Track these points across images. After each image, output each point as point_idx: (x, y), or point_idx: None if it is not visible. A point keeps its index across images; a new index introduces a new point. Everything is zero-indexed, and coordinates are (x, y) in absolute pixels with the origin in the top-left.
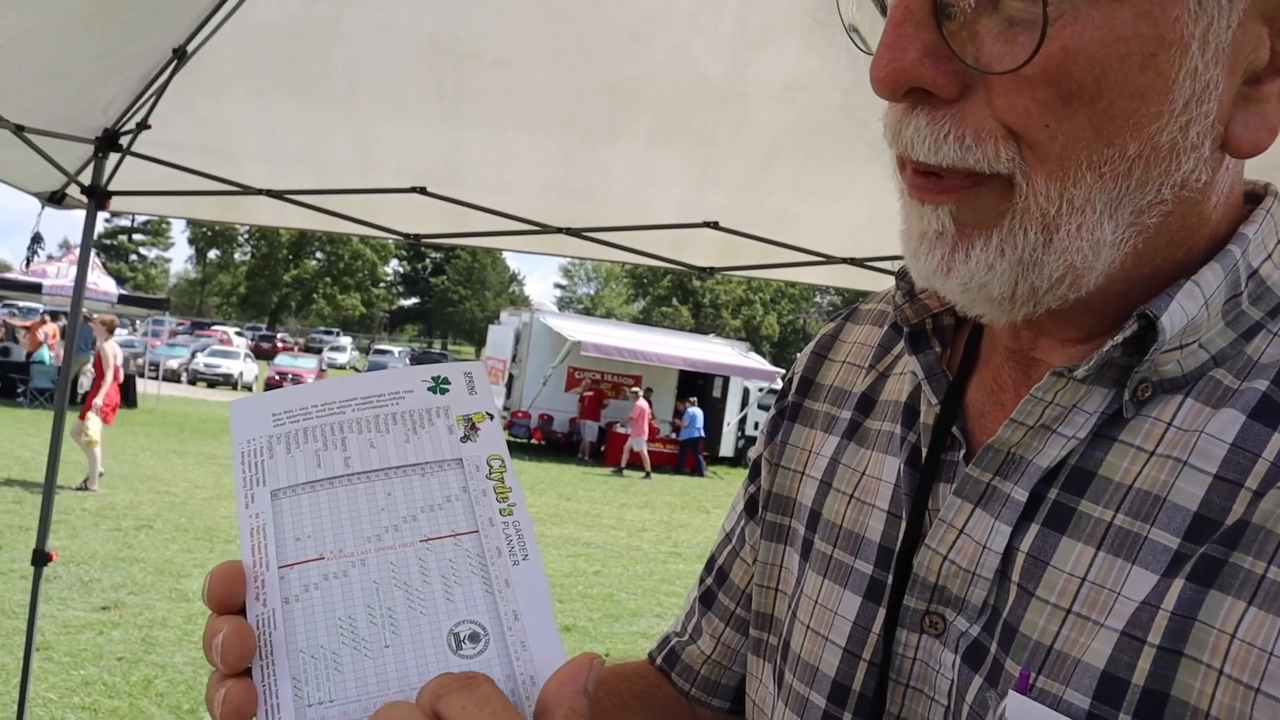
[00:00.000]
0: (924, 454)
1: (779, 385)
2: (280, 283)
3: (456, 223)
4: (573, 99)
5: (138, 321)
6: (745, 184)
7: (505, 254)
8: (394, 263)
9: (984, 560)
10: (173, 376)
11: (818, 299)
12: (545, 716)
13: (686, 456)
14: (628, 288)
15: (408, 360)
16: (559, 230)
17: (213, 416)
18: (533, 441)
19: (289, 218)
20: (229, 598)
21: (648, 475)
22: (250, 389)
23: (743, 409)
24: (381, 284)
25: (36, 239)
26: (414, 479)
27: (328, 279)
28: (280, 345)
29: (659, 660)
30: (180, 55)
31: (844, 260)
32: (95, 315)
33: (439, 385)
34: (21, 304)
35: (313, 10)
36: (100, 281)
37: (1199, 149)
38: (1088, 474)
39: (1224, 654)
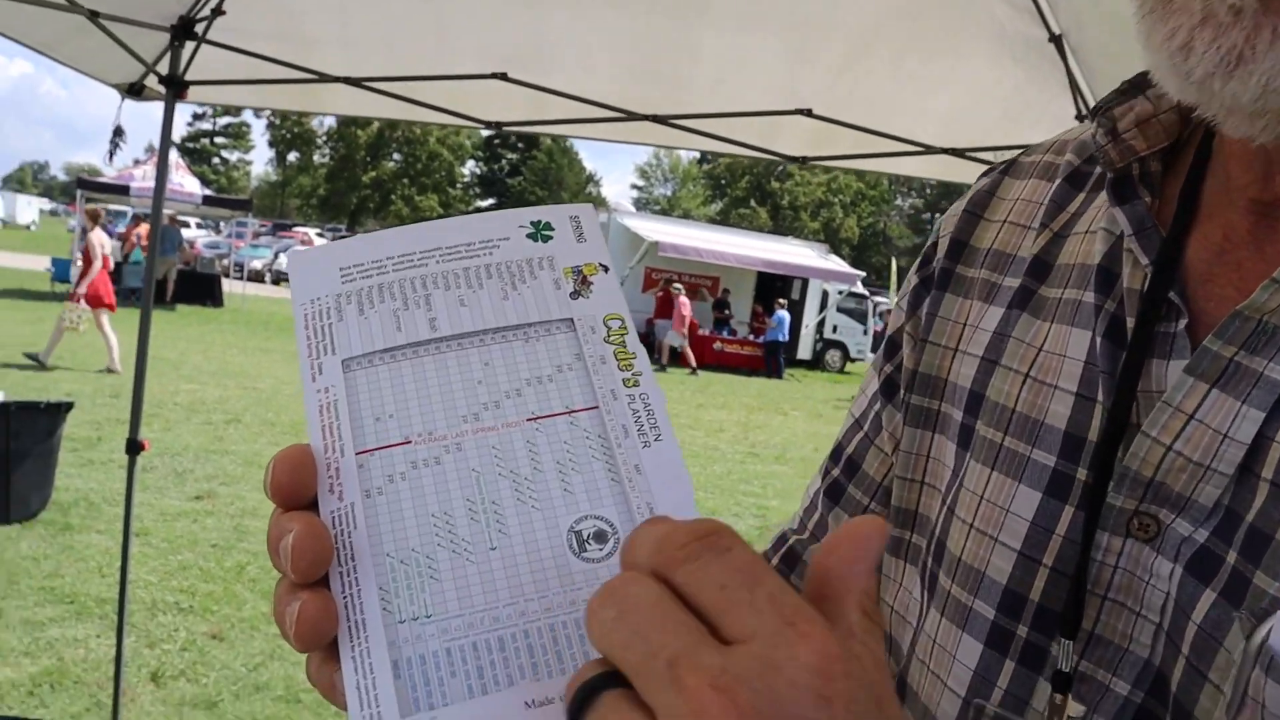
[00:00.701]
0: (1129, 325)
1: (859, 288)
2: (359, 184)
3: (538, 110)
4: None
5: (222, 224)
6: (841, 69)
7: (582, 154)
8: (470, 164)
9: (1223, 452)
10: (256, 277)
11: (898, 201)
12: (833, 602)
13: (769, 359)
14: (705, 188)
15: None
16: (644, 117)
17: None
18: None
19: (367, 106)
20: (297, 489)
21: (694, 372)
22: None
23: (821, 312)
24: (458, 185)
25: (118, 132)
26: (516, 344)
27: (405, 180)
28: None
29: (775, 560)
30: None
31: (944, 150)
32: (178, 216)
33: (540, 232)
34: (112, 207)
35: None
36: (185, 183)
37: None
38: None
39: None
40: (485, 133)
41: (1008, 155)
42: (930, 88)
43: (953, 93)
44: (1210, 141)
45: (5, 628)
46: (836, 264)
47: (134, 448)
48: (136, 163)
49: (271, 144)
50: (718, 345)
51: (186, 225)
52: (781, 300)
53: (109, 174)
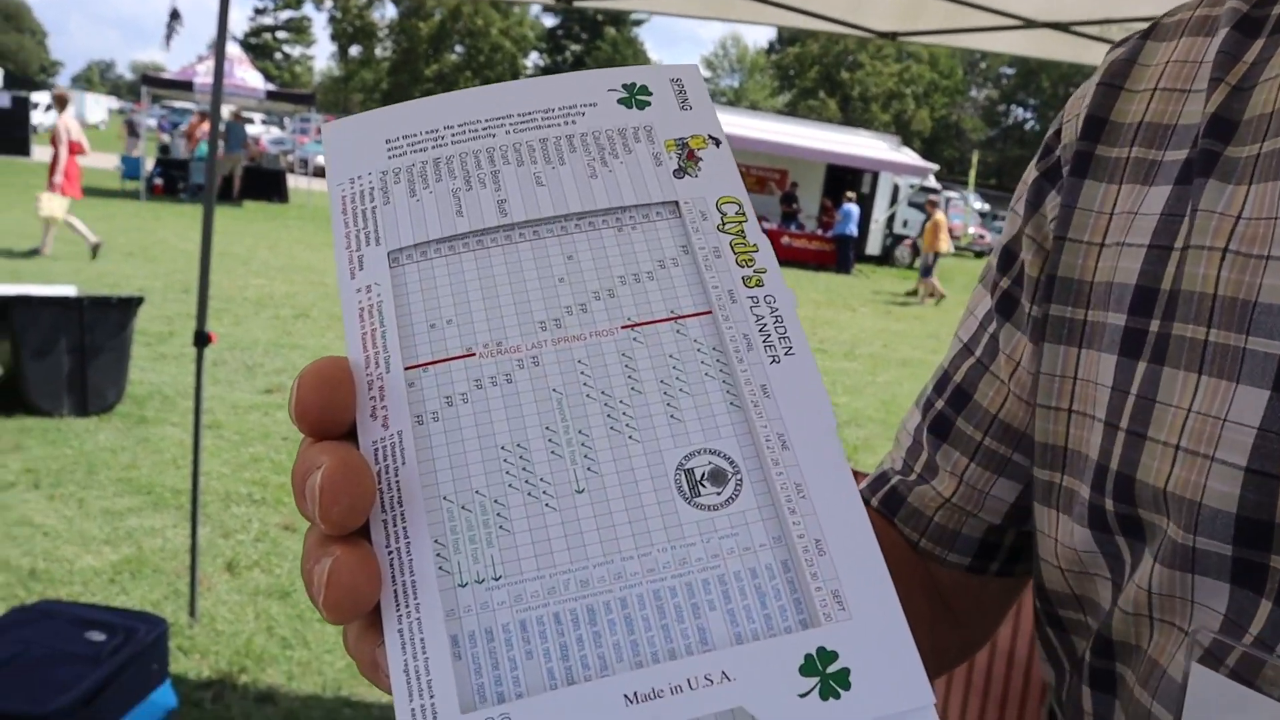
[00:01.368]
0: None
1: (931, 182)
2: (421, 78)
3: None
4: None
5: (285, 120)
6: None
7: (646, 45)
8: (533, 56)
9: None
10: (321, 172)
11: (973, 93)
12: None
13: (838, 254)
14: (773, 79)
15: None
16: None
17: None
18: None
19: None
20: (330, 413)
21: None
22: None
23: (892, 206)
24: (521, 77)
25: (174, 15)
26: (606, 233)
27: (468, 73)
28: None
29: (875, 502)
30: None
31: (1046, 24)
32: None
33: (634, 96)
34: (176, 104)
35: None
36: (247, 77)
37: None
38: None
39: None
40: (549, 22)
41: (1117, 30)
42: None
43: None
44: None
45: (86, 517)
46: (908, 156)
47: (201, 340)
48: (200, 59)
49: (333, 38)
50: (785, 240)
51: (250, 121)
52: (850, 194)
53: (173, 71)
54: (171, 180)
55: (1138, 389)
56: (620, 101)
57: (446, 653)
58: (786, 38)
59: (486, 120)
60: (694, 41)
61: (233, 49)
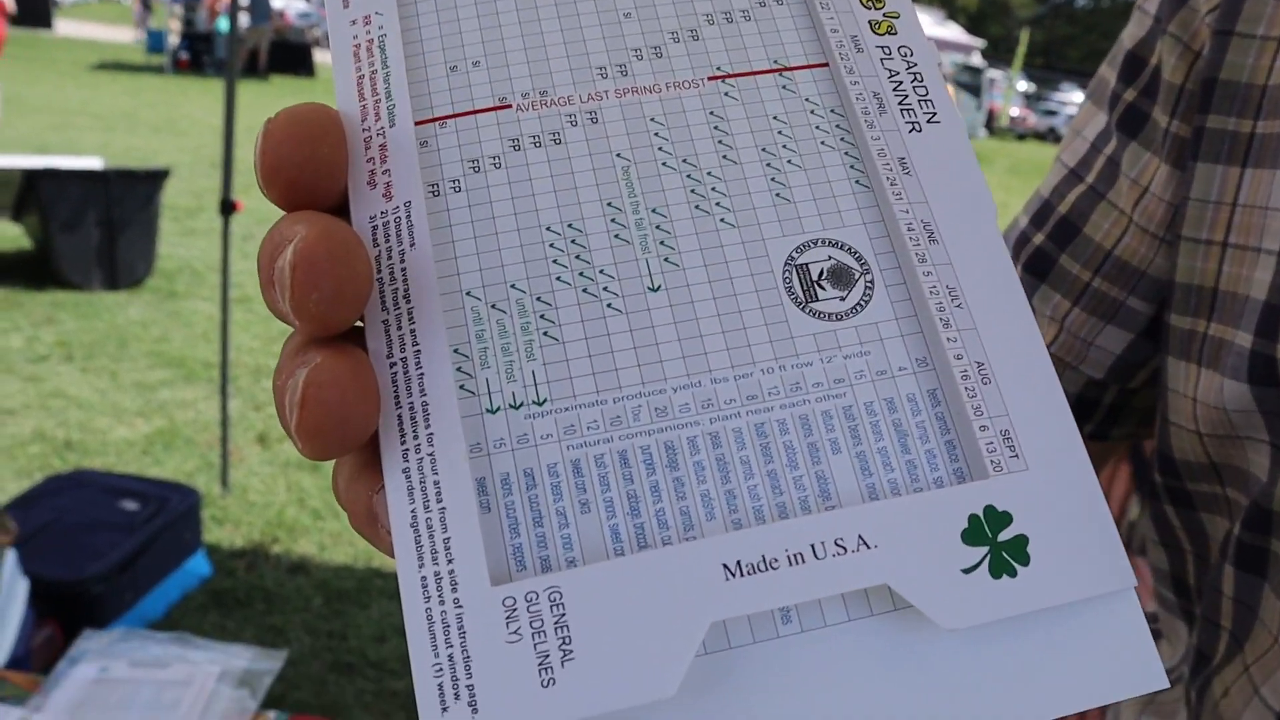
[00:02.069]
0: None
1: (976, 60)
2: None
3: None
4: None
5: None
6: None
7: None
8: None
9: None
10: None
11: None
12: None
13: None
14: None
15: None
16: None
17: None
18: None
19: None
20: (310, 173)
21: None
22: None
23: None
24: None
25: None
26: None
27: None
28: None
29: None
30: None
31: None
32: None
33: None
34: None
35: None
36: None
37: None
38: None
39: None
40: None
41: None
42: None
43: None
44: None
45: (119, 389)
46: (953, 32)
47: (227, 208)
48: None
49: None
50: None
51: None
52: None
53: None
54: (197, 55)
55: None
56: None
57: (471, 501)
58: None
59: None
60: None
61: None
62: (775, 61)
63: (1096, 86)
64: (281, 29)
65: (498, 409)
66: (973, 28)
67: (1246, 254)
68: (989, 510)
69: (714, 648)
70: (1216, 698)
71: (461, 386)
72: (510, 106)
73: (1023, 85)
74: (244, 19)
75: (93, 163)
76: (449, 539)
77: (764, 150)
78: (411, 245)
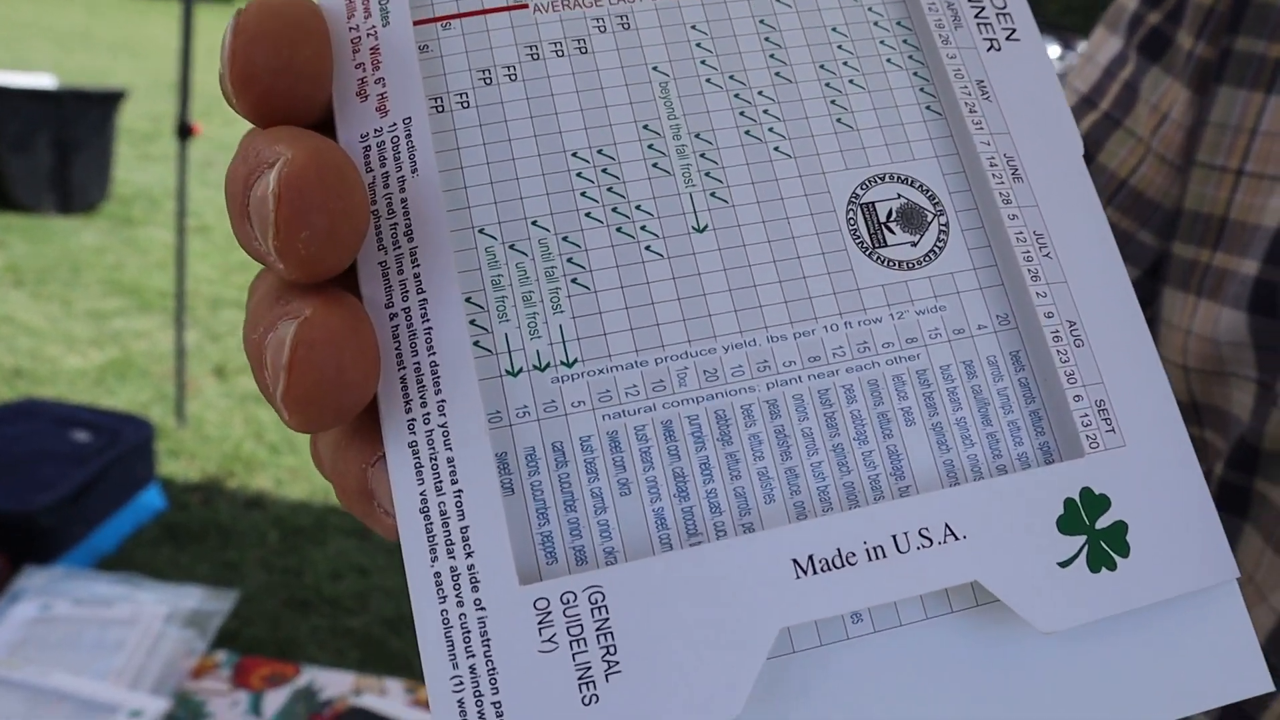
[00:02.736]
0: None
1: None
2: None
3: None
4: None
5: None
6: None
7: None
8: None
9: None
10: None
11: None
12: None
13: None
14: None
15: None
16: None
17: None
18: None
19: None
20: (288, 79)
21: None
22: None
23: None
24: None
25: None
26: None
27: None
28: None
29: None
30: None
31: None
32: None
33: None
34: None
35: None
36: None
37: None
38: None
39: None
40: None
41: None
42: None
43: None
44: None
45: (71, 317)
46: None
47: (184, 131)
48: None
49: None
50: None
51: None
52: None
53: None
54: None
55: None
56: None
57: (493, 482)
58: None
59: None
60: None
61: None
62: None
63: (1113, 13)
64: None
65: (519, 371)
66: None
67: (1263, 182)
68: (1085, 493)
69: (776, 651)
70: None
71: (476, 343)
72: (526, 6)
73: None
74: None
75: (46, 81)
76: (467, 528)
77: (822, 68)
78: (414, 171)
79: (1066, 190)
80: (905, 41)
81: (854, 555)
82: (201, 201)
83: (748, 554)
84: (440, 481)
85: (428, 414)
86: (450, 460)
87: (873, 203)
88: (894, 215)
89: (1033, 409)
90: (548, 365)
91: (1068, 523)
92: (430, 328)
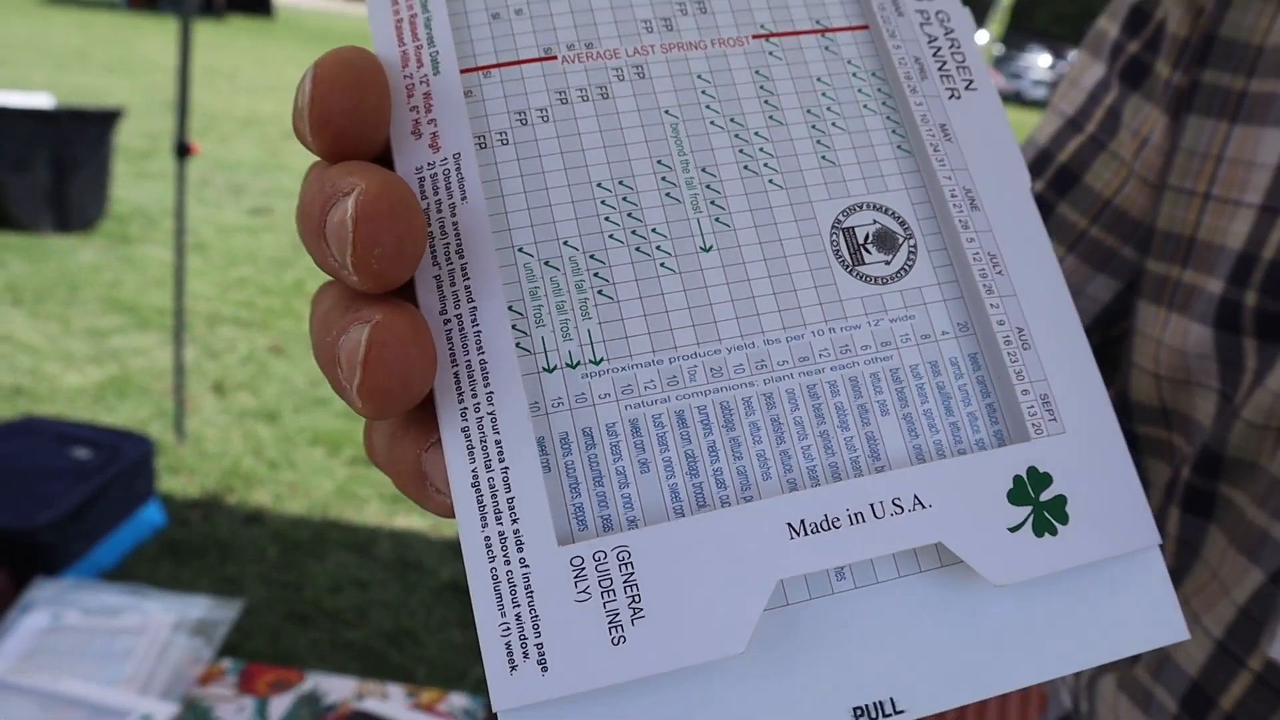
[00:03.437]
0: None
1: None
2: None
3: None
4: None
5: None
6: None
7: None
8: None
9: None
10: None
11: None
12: None
13: None
14: None
15: None
16: None
17: (352, 30)
18: None
19: None
20: (358, 121)
21: None
22: None
23: None
24: None
25: None
26: None
27: None
28: None
29: None
30: None
31: None
32: None
33: None
34: None
35: None
36: None
37: None
38: None
39: None
40: None
41: None
42: None
43: None
44: None
45: (70, 335)
46: None
47: (182, 151)
48: None
49: None
50: None
51: None
52: None
53: None
54: None
55: None
56: None
57: (535, 461)
58: None
59: None
60: None
61: None
62: (817, 22)
63: (1094, 38)
64: None
65: (554, 368)
66: None
67: (1226, 206)
68: (1031, 471)
69: (773, 604)
70: None
71: (518, 345)
72: (555, 58)
73: (995, 51)
74: None
75: (43, 100)
76: (513, 499)
77: (809, 111)
78: (463, 198)
79: (1016, 217)
80: (879, 90)
81: (838, 520)
82: (199, 220)
83: (749, 519)
84: (489, 460)
85: (478, 404)
86: (498, 443)
87: (853, 227)
88: (870, 238)
89: (988, 402)
90: (578, 363)
91: (1016, 495)
92: (479, 331)
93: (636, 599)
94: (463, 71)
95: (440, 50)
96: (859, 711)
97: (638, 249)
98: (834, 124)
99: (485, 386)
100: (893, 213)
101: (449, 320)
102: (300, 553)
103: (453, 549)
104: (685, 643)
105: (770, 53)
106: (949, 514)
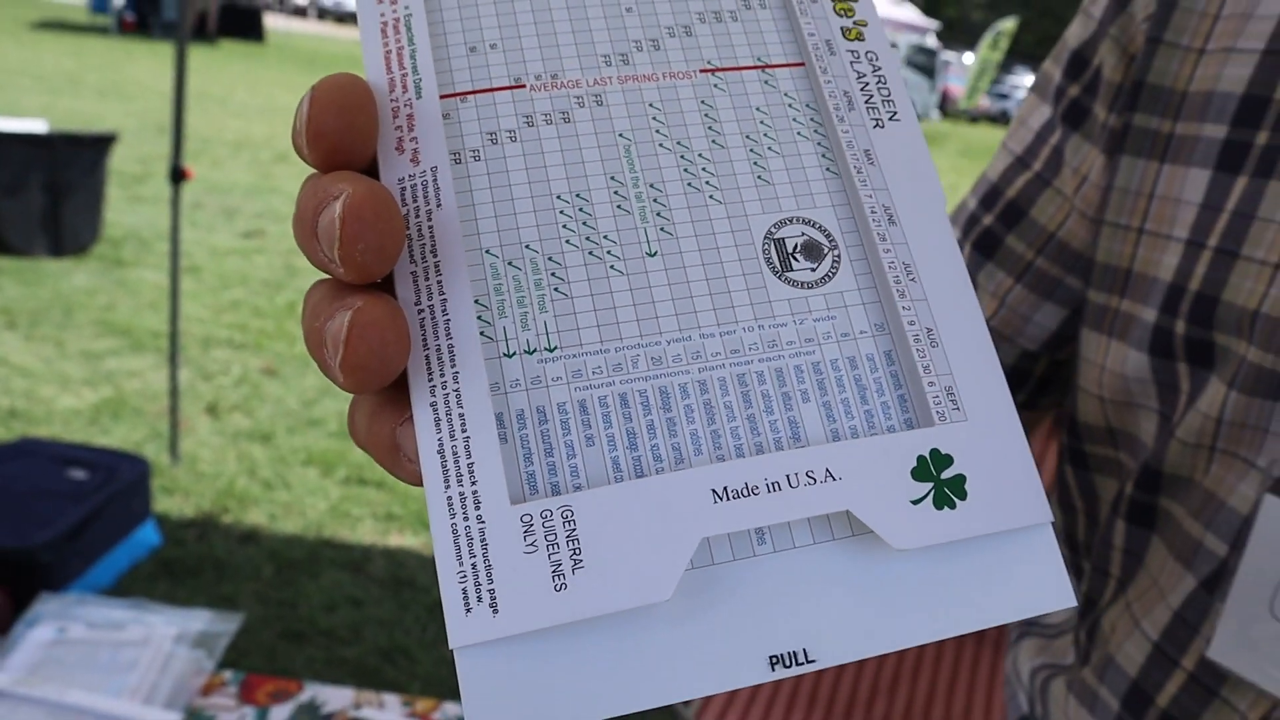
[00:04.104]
0: None
1: (930, 42)
2: None
3: None
4: None
5: None
6: None
7: None
8: None
9: None
10: (299, 12)
11: None
12: None
13: None
14: None
15: None
16: None
17: (342, 54)
18: None
19: None
20: (350, 138)
21: None
22: None
23: None
24: None
25: None
26: None
27: None
28: None
29: None
30: None
31: None
32: None
33: None
34: None
35: None
36: None
37: None
38: None
39: None
40: None
41: None
42: None
43: None
44: None
45: (65, 358)
46: (909, 13)
47: (177, 175)
48: None
49: None
50: None
51: None
52: None
53: None
54: (143, 16)
55: (1235, 205)
56: None
57: (492, 432)
58: None
59: None
60: None
61: None
62: (759, 59)
63: (1041, 81)
64: None
65: (514, 354)
66: (928, 9)
67: (1158, 240)
68: (934, 452)
69: (700, 563)
70: (1106, 634)
71: (482, 333)
72: (524, 86)
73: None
74: None
75: (37, 125)
76: (472, 464)
77: (748, 137)
78: (438, 206)
79: (930, 232)
80: (812, 119)
81: (757, 488)
82: (192, 242)
83: (678, 484)
84: (454, 431)
85: (445, 382)
86: (461, 416)
87: (783, 238)
88: (799, 248)
89: (899, 393)
90: (535, 350)
91: (919, 473)
92: (449, 320)
93: (578, 552)
94: (442, 97)
95: (423, 78)
96: (774, 660)
97: (590, 253)
98: (770, 148)
99: (452, 367)
100: (820, 226)
101: (422, 310)
102: (295, 571)
103: None
104: (619, 590)
105: (715, 85)
106: (857, 486)
